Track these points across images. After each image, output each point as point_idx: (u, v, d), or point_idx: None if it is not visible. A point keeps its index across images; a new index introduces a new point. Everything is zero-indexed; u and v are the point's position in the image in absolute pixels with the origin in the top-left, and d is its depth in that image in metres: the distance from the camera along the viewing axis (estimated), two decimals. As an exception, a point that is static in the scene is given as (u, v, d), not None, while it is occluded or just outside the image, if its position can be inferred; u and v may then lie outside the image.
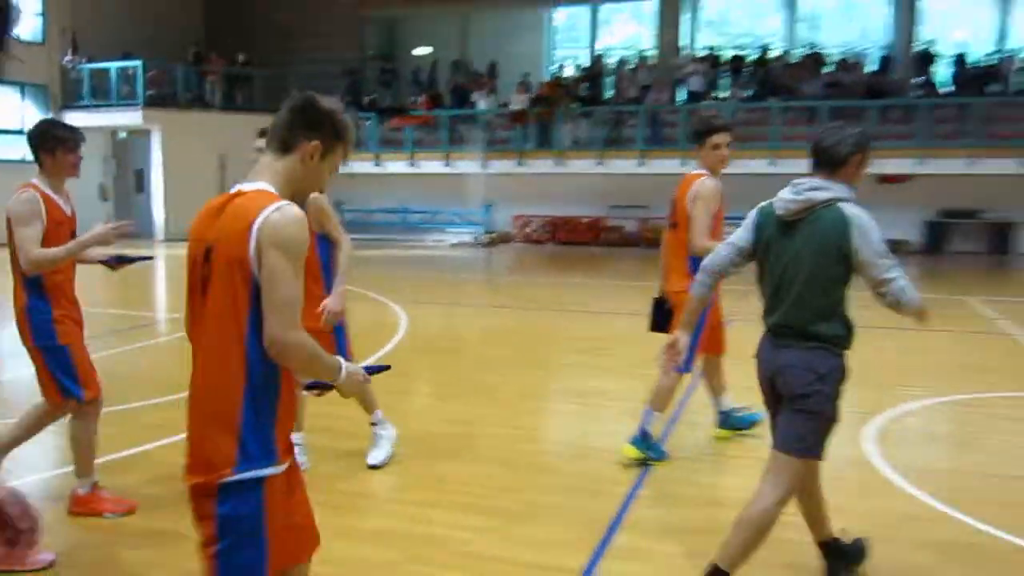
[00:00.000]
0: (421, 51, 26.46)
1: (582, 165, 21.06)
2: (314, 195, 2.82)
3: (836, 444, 5.42)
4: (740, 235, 3.44)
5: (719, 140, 4.97)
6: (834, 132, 3.30)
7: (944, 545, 4.00)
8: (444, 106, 23.18)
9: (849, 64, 21.42)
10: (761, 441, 4.57)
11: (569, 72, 24.28)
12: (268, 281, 2.17)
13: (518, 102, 21.42)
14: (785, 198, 3.29)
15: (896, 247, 5.17)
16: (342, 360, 2.40)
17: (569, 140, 21.10)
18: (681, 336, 3.65)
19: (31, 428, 4.24)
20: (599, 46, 26.82)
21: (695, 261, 4.32)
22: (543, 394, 7.20)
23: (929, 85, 20.73)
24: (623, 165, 20.84)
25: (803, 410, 3.20)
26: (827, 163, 3.26)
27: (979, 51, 21.49)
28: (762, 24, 28.52)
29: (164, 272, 15.68)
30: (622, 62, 23.33)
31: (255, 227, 2.17)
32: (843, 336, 3.24)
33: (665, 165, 19.30)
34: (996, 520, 4.20)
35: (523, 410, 6.47)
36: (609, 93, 22.82)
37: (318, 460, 4.92)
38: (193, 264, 2.30)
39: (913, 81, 21.05)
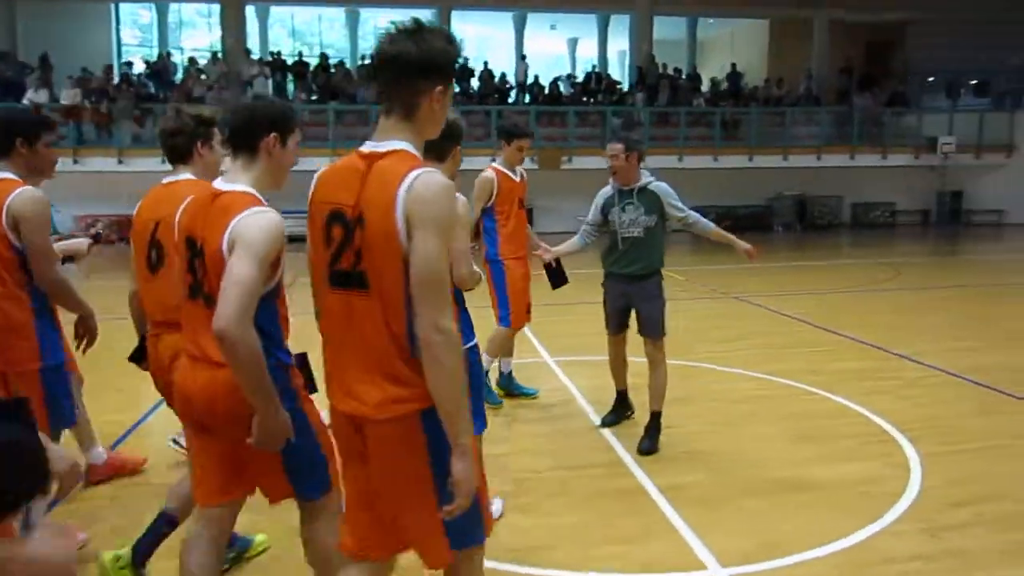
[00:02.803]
0: (-38, 39, 21.08)
1: (147, 163, 18.01)
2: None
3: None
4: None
5: (524, 143, 5.24)
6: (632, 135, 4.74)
7: None
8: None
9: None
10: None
11: (139, 68, 20.94)
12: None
13: (69, 97, 17.72)
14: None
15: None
16: None
17: (130, 138, 17.98)
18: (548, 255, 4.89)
19: None
20: (185, 45, 23.70)
21: (489, 231, 5.29)
22: None
23: (466, 96, 21.28)
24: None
25: (657, 316, 4.56)
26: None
27: (506, 68, 22.57)
28: (333, 35, 27.49)
29: None
30: (192, 61, 20.66)
31: None
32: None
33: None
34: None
35: None
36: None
37: None
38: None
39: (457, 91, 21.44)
